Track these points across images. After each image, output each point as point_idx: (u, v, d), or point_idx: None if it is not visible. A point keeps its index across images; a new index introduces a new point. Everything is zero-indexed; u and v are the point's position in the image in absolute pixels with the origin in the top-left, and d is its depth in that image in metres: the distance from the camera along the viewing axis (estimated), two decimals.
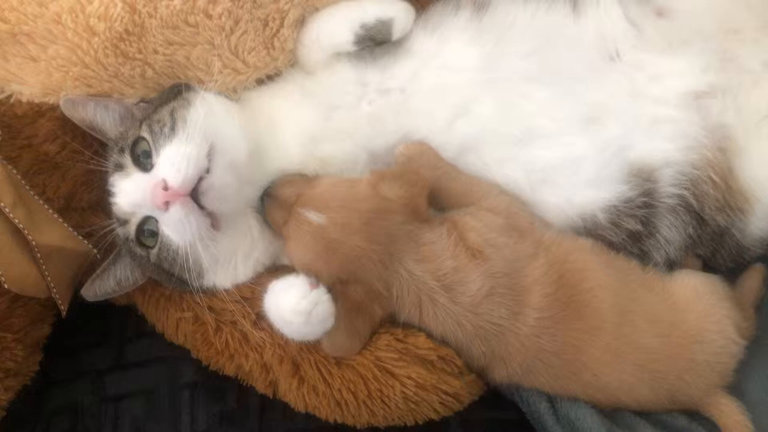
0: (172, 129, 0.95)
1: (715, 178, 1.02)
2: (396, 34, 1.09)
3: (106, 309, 1.09)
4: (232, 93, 1.09)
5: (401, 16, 1.09)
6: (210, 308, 1.02)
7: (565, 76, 1.07)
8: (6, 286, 0.92)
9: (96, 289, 1.02)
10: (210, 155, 0.95)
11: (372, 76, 1.08)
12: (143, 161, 0.96)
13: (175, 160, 0.92)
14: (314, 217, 0.94)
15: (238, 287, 1.03)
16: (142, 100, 1.05)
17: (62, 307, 0.99)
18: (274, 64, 1.10)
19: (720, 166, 1.02)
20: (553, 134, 1.05)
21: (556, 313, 0.96)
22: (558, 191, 1.05)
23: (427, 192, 0.98)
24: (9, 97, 1.00)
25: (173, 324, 1.05)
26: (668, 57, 1.06)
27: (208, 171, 0.94)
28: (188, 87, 1.03)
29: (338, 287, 0.93)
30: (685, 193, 1.03)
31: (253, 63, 1.08)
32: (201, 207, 0.93)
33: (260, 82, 1.11)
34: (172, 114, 0.97)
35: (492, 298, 0.95)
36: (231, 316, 1.01)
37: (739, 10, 1.08)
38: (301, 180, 1.02)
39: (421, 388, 0.95)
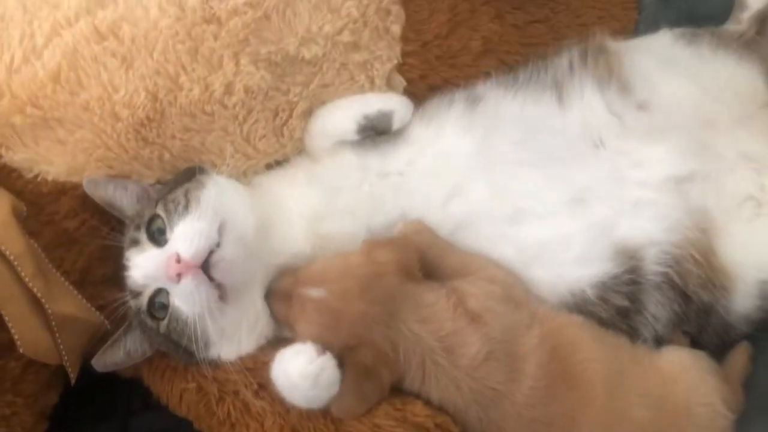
0: (186, 207, 1.03)
1: (697, 256, 1.08)
2: (396, 124, 1.18)
3: (112, 381, 1.13)
4: (243, 177, 1.17)
5: (400, 108, 1.19)
6: (214, 379, 1.06)
7: (552, 161, 1.14)
8: (21, 350, 0.96)
9: (106, 360, 1.06)
10: (220, 230, 1.02)
11: (373, 161, 1.17)
12: (158, 237, 1.03)
13: (188, 234, 0.99)
14: (314, 292, 0.99)
15: (241, 358, 1.07)
16: (159, 182, 1.13)
17: (72, 374, 1.03)
18: (282, 150, 1.19)
19: (701, 245, 1.08)
20: (542, 215, 1.12)
21: (549, 383, 0.99)
22: (548, 268, 1.10)
23: (417, 255, 1.04)
24: (36, 176, 1.08)
25: (177, 395, 1.08)
26: (649, 145, 1.14)
27: (218, 245, 1.00)
28: (201, 170, 1.11)
29: (347, 353, 0.97)
30: (669, 270, 1.08)
31: (263, 149, 1.17)
32: (211, 279, 0.99)
33: (269, 167, 1.20)
34: (186, 194, 1.05)
35: (489, 362, 0.98)
36: (233, 386, 1.04)
37: (713, 106, 1.17)
38: (295, 268, 1.07)
39: None
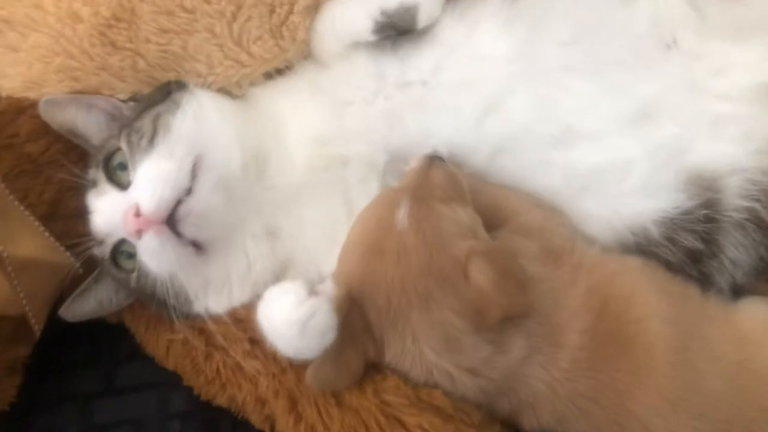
0: (151, 140, 0.85)
1: None
2: (422, 21, 0.96)
3: (98, 325, 0.99)
4: (236, 88, 0.98)
5: (427, 2, 0.96)
6: (200, 330, 0.90)
7: (611, 66, 0.92)
8: None
9: (75, 310, 0.91)
10: (195, 171, 0.84)
11: (391, 68, 0.96)
12: (119, 175, 0.86)
13: (150, 180, 0.82)
14: (402, 215, 0.78)
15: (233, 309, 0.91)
16: (134, 98, 0.94)
17: (35, 326, 0.88)
18: (283, 56, 0.98)
19: None
20: (597, 134, 0.91)
21: (595, 350, 0.80)
22: (602, 200, 0.90)
23: (514, 311, 0.78)
24: None
25: (164, 346, 0.94)
26: (735, 45, 0.90)
27: (189, 191, 0.83)
28: (180, 85, 0.93)
29: (345, 303, 0.79)
30: (756, 205, 0.87)
31: (260, 54, 0.96)
32: (179, 235, 0.82)
33: (269, 76, 1.00)
34: (155, 120, 0.87)
35: (527, 358, 0.79)
36: (223, 340, 0.89)
37: None
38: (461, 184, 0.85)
39: None
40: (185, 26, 0.92)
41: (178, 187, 0.82)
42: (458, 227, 0.80)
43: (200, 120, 0.88)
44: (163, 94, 0.92)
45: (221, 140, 0.89)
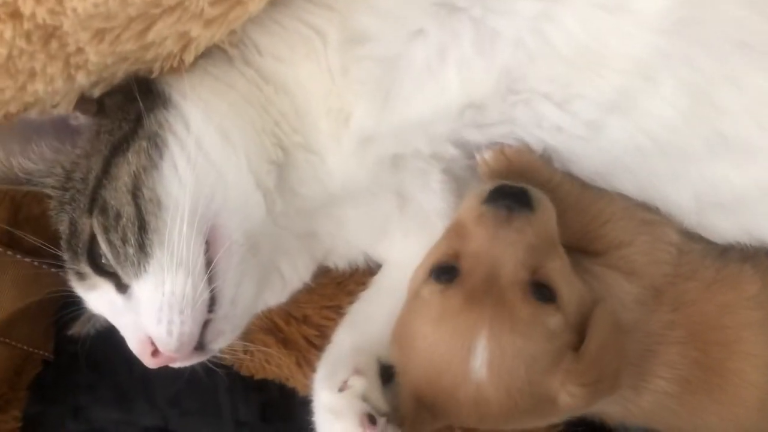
0: (141, 242, 0.59)
1: None
2: None
3: None
4: (231, 36, 0.64)
5: None
6: None
7: None
8: None
9: (87, 326, 0.77)
10: (210, 255, 0.60)
11: None
12: (109, 273, 0.62)
13: (159, 310, 0.59)
14: (479, 364, 0.61)
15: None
16: (81, 104, 0.62)
17: (45, 353, 0.78)
18: None
19: None
20: (759, 150, 0.65)
21: (683, 396, 0.72)
22: (737, 219, 0.70)
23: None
24: None
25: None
26: None
27: (213, 301, 0.61)
28: (149, 95, 0.62)
29: (412, 408, 0.68)
30: None
31: None
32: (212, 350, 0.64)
33: None
34: (135, 197, 0.59)
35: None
36: None
37: None
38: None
39: None
40: (135, 14, 0.55)
41: (198, 310, 0.60)
42: (548, 357, 0.64)
43: (199, 166, 0.60)
44: (130, 120, 0.60)
45: (234, 186, 0.62)
